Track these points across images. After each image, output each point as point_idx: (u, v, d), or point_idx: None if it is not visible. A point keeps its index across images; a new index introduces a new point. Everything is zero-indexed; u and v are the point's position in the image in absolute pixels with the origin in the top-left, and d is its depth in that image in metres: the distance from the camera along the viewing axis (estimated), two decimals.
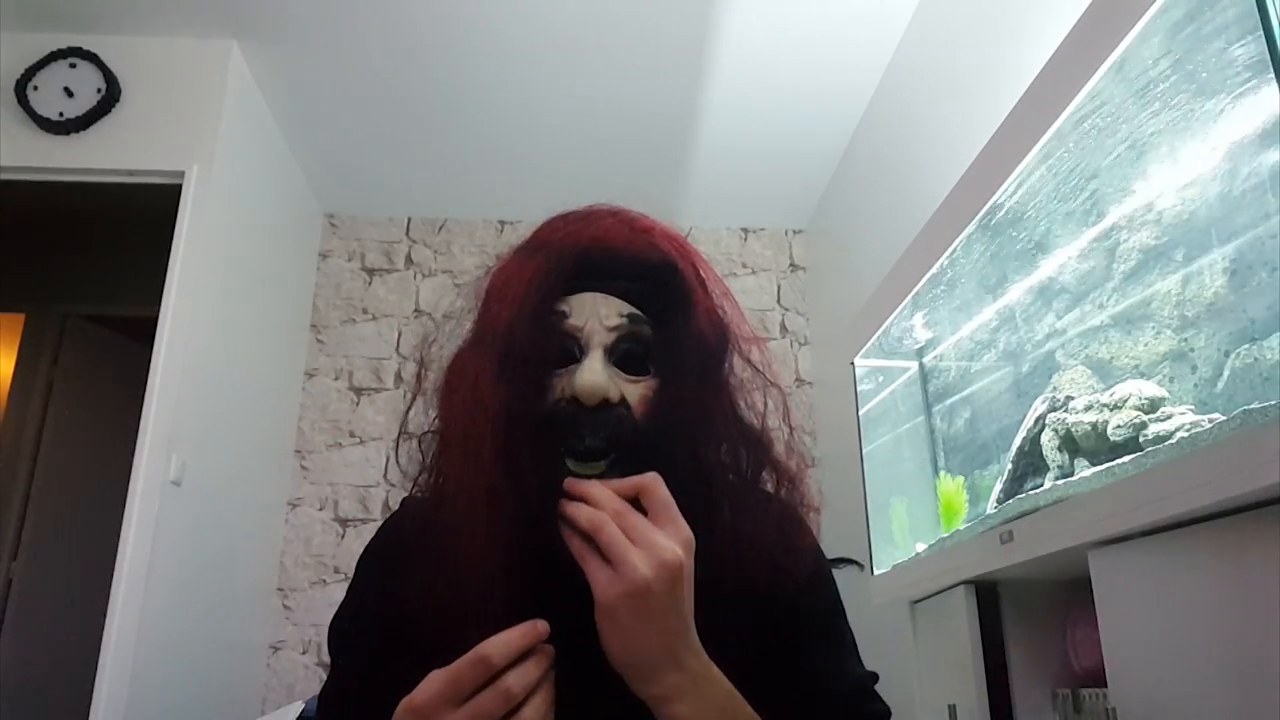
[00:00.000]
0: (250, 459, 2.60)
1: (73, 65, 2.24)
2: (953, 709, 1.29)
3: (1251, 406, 0.72)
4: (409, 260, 3.18)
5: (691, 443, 0.56)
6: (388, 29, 2.28)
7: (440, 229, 3.22)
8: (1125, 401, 0.99)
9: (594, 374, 0.54)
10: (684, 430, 0.56)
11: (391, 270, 3.17)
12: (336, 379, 3.04)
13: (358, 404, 3.01)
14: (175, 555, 2.09)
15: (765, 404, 0.62)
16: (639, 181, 2.93)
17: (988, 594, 1.26)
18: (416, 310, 3.12)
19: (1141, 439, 0.94)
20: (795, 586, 0.59)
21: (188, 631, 2.18)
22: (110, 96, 2.24)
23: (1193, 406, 0.95)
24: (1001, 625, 1.23)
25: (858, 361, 1.92)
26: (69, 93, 2.22)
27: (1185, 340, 1.01)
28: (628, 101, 2.57)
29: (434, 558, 0.54)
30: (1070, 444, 1.07)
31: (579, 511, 0.51)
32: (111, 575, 1.92)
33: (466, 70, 2.44)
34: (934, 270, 1.51)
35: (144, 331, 2.19)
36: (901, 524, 1.70)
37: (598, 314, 0.56)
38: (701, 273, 0.62)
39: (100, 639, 1.88)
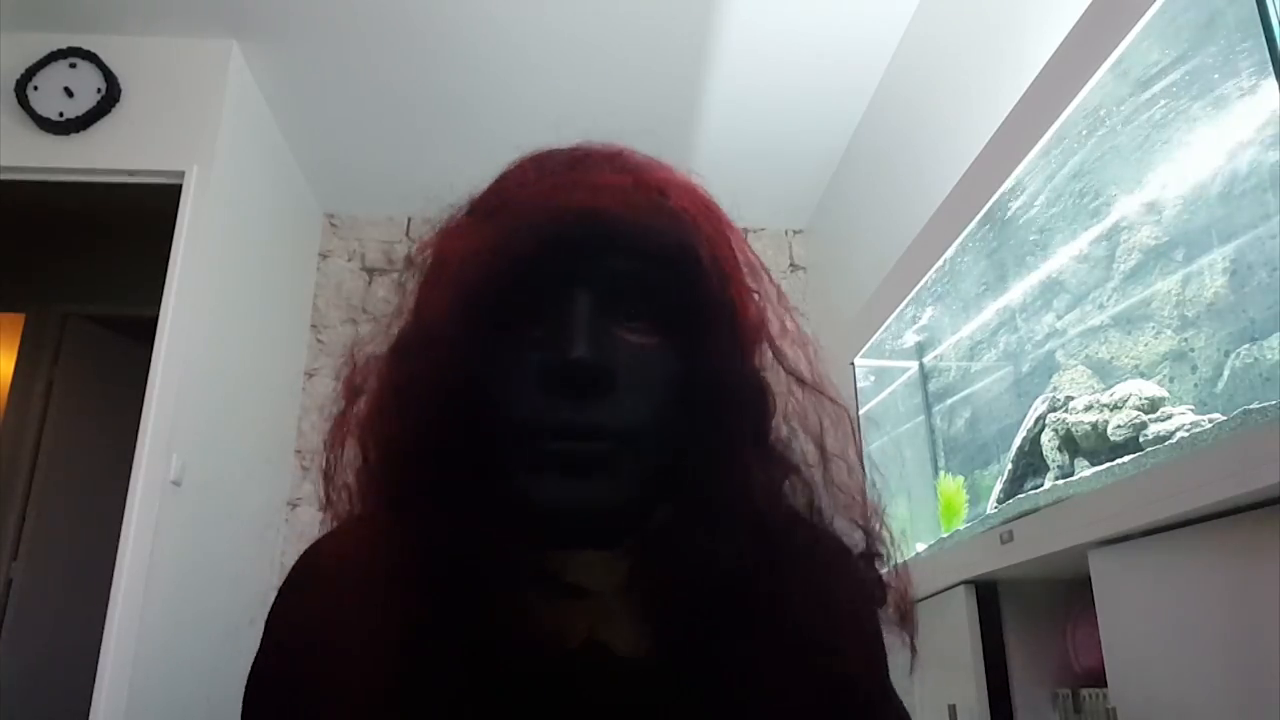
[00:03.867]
0: (250, 459, 2.60)
1: (73, 65, 2.24)
2: (953, 709, 1.29)
3: (1251, 406, 0.72)
4: (409, 261, 3.17)
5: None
6: (388, 28, 2.28)
7: None
8: (1125, 401, 0.99)
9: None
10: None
11: (392, 270, 3.17)
12: (337, 379, 3.03)
13: None
14: (175, 555, 2.09)
15: (821, 423, 0.45)
16: None
17: (988, 594, 1.26)
18: None
19: (1141, 439, 0.94)
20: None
21: (187, 631, 2.18)
22: (110, 96, 2.23)
23: (1193, 406, 0.95)
24: (1001, 625, 1.23)
25: (858, 361, 1.92)
26: (69, 93, 2.22)
27: (1185, 340, 1.01)
28: (628, 102, 2.57)
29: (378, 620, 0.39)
30: (1070, 444, 1.07)
31: None
32: (112, 575, 1.92)
33: (467, 70, 2.44)
34: (934, 270, 1.51)
35: (144, 331, 2.19)
36: (901, 524, 1.70)
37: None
38: (733, 244, 0.44)
39: (100, 639, 1.88)
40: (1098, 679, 0.98)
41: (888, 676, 0.47)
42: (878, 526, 0.44)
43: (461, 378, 0.39)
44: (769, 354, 0.45)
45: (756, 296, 0.45)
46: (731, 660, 0.39)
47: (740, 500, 0.40)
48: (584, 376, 0.38)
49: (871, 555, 0.45)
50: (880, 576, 0.45)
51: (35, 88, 2.22)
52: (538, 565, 0.40)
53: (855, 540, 0.45)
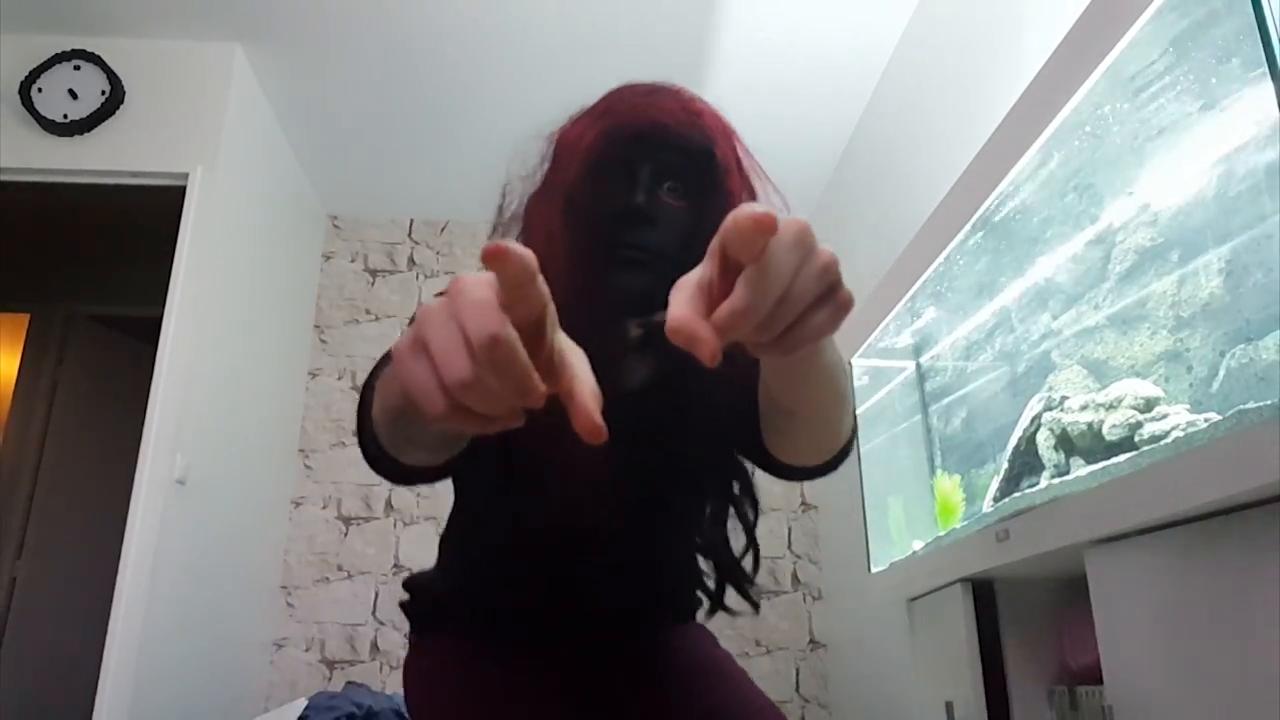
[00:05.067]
0: (254, 458, 2.61)
1: (77, 67, 2.25)
2: (949, 706, 1.29)
3: (1246, 406, 0.73)
4: (411, 261, 3.19)
5: None
6: (390, 31, 2.29)
7: (443, 230, 3.23)
8: (1121, 401, 1.00)
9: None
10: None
11: (394, 271, 3.18)
12: (340, 379, 3.05)
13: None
14: (179, 554, 2.10)
15: None
16: None
17: (984, 592, 1.26)
18: None
19: (1137, 438, 0.95)
20: None
21: (191, 629, 2.19)
22: (114, 98, 2.24)
23: (1188, 406, 0.96)
24: (998, 623, 1.23)
25: (855, 361, 1.93)
26: (73, 95, 2.23)
27: (1181, 340, 1.01)
28: None
29: None
30: (1066, 443, 1.08)
31: None
32: (116, 574, 1.93)
33: (468, 72, 2.45)
34: (931, 271, 1.51)
35: (148, 332, 2.21)
36: (898, 522, 1.71)
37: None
38: (739, 154, 0.73)
39: (105, 637, 1.89)
40: (1094, 677, 0.99)
41: None
42: None
43: (580, 208, 0.68)
44: None
45: (754, 186, 0.72)
46: (693, 385, 0.67)
47: None
48: (638, 215, 0.67)
49: None
50: None
51: (39, 89, 2.23)
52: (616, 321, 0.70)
53: None
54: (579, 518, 0.70)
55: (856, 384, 1.94)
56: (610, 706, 0.76)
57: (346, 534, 2.88)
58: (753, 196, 0.72)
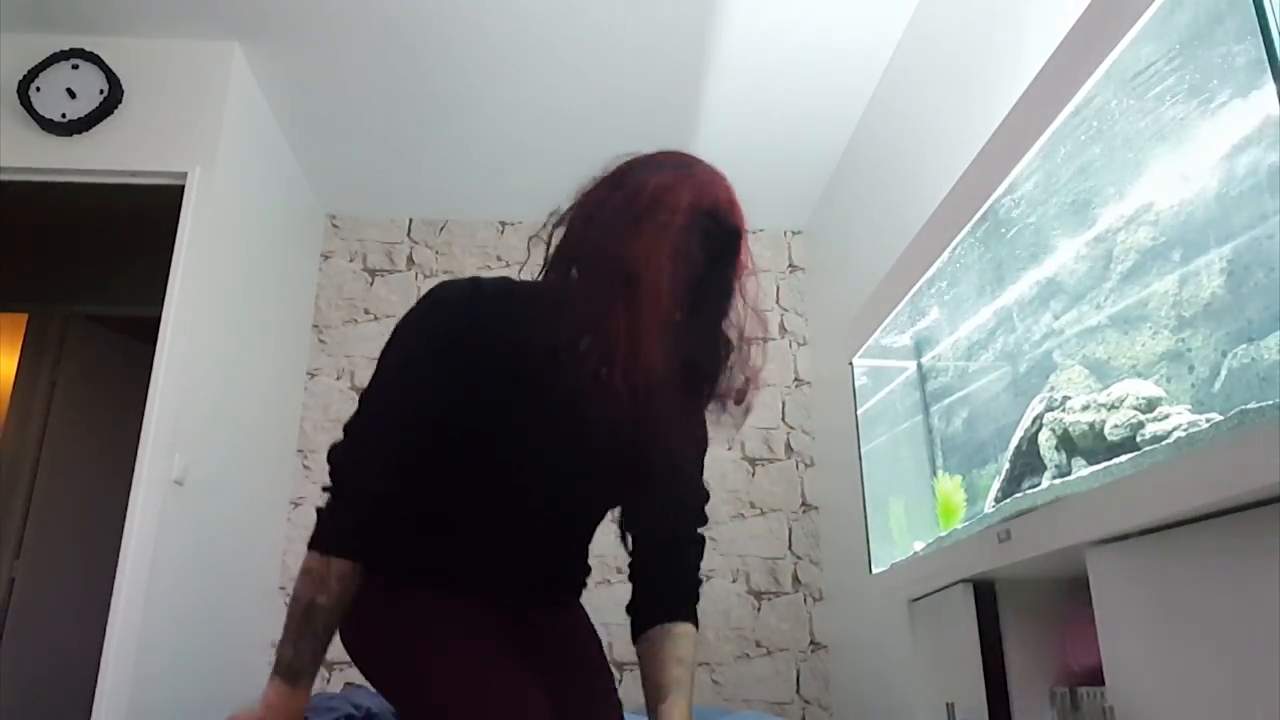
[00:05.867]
0: (253, 458, 2.61)
1: (75, 66, 2.25)
2: (951, 707, 1.29)
3: (1249, 406, 0.73)
4: (410, 261, 3.19)
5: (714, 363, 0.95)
6: (389, 31, 2.29)
7: (442, 230, 3.22)
8: (1122, 401, 0.99)
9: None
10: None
11: (393, 271, 3.18)
12: (338, 379, 3.05)
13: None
14: (178, 554, 2.10)
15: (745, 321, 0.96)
16: None
17: (986, 593, 1.26)
18: None
19: (1139, 439, 0.94)
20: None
21: (190, 629, 2.19)
22: (113, 98, 2.24)
23: (1190, 406, 0.96)
24: (1000, 624, 1.23)
25: (856, 361, 1.93)
26: (71, 94, 2.23)
27: (1182, 340, 1.01)
28: (628, 103, 2.58)
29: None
30: (1068, 443, 1.08)
31: None
32: (114, 574, 1.93)
33: (467, 72, 2.45)
34: (932, 271, 1.51)
35: (147, 331, 2.20)
36: (900, 523, 1.71)
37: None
38: (745, 240, 0.95)
39: (103, 637, 1.89)
40: (1095, 678, 0.99)
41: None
42: (749, 382, 0.96)
43: (680, 251, 0.88)
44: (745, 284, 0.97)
45: (749, 265, 0.96)
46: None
47: (716, 325, 0.95)
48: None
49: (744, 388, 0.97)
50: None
51: (38, 89, 2.23)
52: None
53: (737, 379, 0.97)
54: (537, 505, 0.96)
55: (857, 384, 1.94)
56: (528, 645, 0.97)
57: None
58: (748, 269, 0.96)
